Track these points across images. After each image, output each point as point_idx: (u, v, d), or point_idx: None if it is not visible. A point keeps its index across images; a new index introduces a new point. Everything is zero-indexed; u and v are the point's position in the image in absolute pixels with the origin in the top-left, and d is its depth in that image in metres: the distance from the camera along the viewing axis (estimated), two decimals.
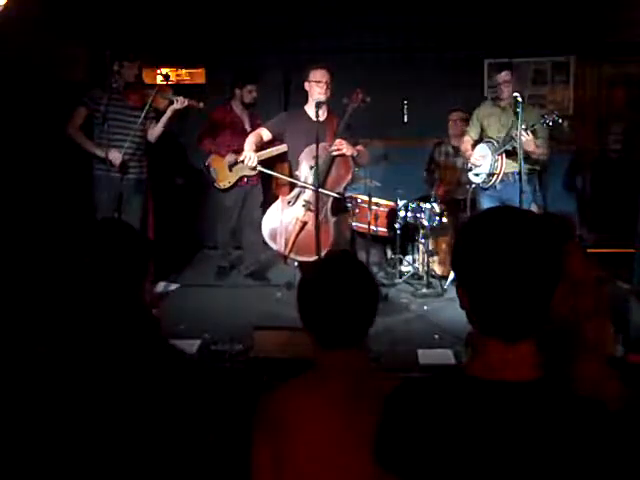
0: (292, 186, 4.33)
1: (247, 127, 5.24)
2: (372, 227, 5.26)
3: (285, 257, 4.16)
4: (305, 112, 4.20)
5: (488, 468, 1.04)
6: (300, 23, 6.18)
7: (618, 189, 5.68)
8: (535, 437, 1.04)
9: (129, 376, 1.44)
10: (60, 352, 1.50)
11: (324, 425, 1.43)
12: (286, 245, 4.09)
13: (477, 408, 1.07)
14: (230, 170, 5.19)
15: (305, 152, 4.11)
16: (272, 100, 6.25)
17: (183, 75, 6.52)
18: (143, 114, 4.55)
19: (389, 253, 5.83)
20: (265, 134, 4.29)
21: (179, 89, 5.12)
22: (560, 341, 1.61)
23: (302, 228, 4.10)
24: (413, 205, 5.21)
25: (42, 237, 4.42)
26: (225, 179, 5.21)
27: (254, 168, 4.22)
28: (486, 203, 4.78)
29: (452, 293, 4.82)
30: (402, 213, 5.27)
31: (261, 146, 4.37)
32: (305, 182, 4.11)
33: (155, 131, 4.78)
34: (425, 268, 5.10)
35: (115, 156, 4.50)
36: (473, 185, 4.88)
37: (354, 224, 5.30)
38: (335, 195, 4.09)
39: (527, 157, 4.44)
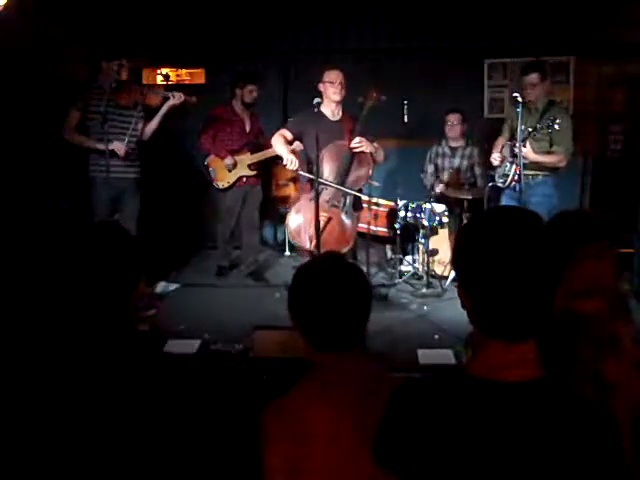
0: (312, 184, 4.41)
1: (247, 127, 5.26)
2: (372, 227, 5.25)
3: (310, 252, 4.25)
4: (322, 112, 4.28)
5: (488, 467, 1.04)
6: (300, 23, 6.17)
7: (618, 189, 5.67)
8: (535, 437, 1.04)
9: (114, 384, 1.42)
10: (45, 357, 1.48)
11: (334, 429, 1.43)
12: (310, 241, 4.17)
13: (477, 408, 1.07)
14: (229, 170, 5.20)
15: (326, 150, 4.20)
16: (272, 100, 6.25)
17: (183, 75, 6.51)
18: (136, 112, 4.55)
19: (389, 253, 5.83)
20: (288, 135, 4.40)
21: (178, 89, 5.10)
22: (588, 341, 1.61)
23: (326, 224, 4.18)
24: (413, 205, 5.21)
25: (39, 238, 4.42)
26: (224, 179, 5.21)
27: (295, 171, 4.33)
28: (505, 203, 4.76)
29: (452, 293, 4.82)
30: (402, 213, 5.27)
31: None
32: (327, 180, 4.22)
33: (149, 127, 4.74)
34: (425, 268, 5.10)
35: (118, 146, 4.50)
36: (490, 184, 4.89)
37: None
38: (355, 193, 4.27)
39: (537, 162, 4.45)
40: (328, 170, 4.25)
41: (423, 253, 5.22)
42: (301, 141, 4.48)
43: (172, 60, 6.40)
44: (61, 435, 1.38)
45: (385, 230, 5.65)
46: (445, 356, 3.53)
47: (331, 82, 4.28)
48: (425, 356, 3.54)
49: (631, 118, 6.06)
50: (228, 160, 5.13)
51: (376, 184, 5.27)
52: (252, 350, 3.37)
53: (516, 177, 4.55)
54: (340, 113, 4.40)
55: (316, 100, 4.09)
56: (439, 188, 5.43)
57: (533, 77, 4.50)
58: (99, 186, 4.55)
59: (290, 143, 4.46)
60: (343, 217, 4.26)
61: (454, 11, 6.03)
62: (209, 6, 6.07)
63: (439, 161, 5.64)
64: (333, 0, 6.11)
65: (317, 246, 3.96)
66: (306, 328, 1.52)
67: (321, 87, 4.36)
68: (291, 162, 4.20)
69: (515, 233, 1.09)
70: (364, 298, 1.53)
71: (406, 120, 5.74)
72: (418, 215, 5.17)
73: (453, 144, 5.56)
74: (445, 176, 5.56)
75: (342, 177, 4.25)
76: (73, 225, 4.64)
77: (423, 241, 5.21)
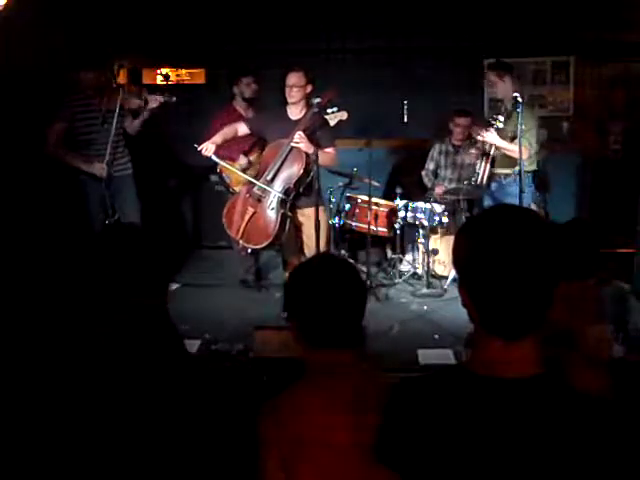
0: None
1: None
2: (372, 227, 5.25)
3: (237, 242, 4.39)
4: (285, 111, 4.39)
5: (487, 464, 1.05)
6: (301, 24, 6.17)
7: (618, 189, 5.67)
8: (534, 433, 1.04)
9: (136, 376, 1.44)
10: (71, 352, 1.51)
11: (330, 427, 1.43)
12: (237, 231, 4.30)
13: (477, 404, 1.07)
14: (244, 172, 4.96)
15: (269, 146, 4.33)
16: (272, 100, 6.24)
17: (183, 75, 6.50)
18: (115, 118, 4.44)
19: (389, 253, 5.82)
20: (242, 129, 4.47)
21: (178, 89, 5.09)
22: (559, 346, 1.61)
23: (251, 216, 4.29)
24: (413, 205, 5.21)
25: (39, 239, 4.42)
26: (240, 182, 4.95)
27: (209, 158, 4.32)
28: (485, 202, 4.92)
29: (452, 293, 4.82)
30: (402, 213, 5.26)
31: (232, 139, 4.49)
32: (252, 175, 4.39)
33: (133, 127, 4.68)
34: (425, 268, 5.10)
35: (99, 169, 4.43)
36: (465, 182, 4.98)
37: (354, 224, 5.29)
38: (269, 189, 4.24)
39: (510, 158, 4.49)
40: (263, 165, 4.34)
41: (423, 253, 5.22)
42: (262, 138, 4.58)
43: (172, 60, 6.40)
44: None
45: (385, 230, 5.65)
46: (445, 356, 3.53)
47: (285, 86, 4.35)
48: (425, 356, 3.55)
49: (631, 118, 6.07)
50: (242, 160, 4.94)
51: (376, 184, 5.27)
52: (252, 350, 3.37)
53: (487, 175, 4.73)
54: (302, 112, 4.38)
55: (316, 100, 4.13)
56: (439, 189, 5.42)
57: (490, 75, 4.74)
58: (90, 188, 4.51)
59: (246, 137, 4.56)
60: (268, 212, 4.28)
61: (454, 11, 6.03)
62: (209, 6, 6.07)
63: (442, 159, 5.64)
64: (333, 0, 6.11)
65: (317, 244, 4.00)
66: (302, 325, 1.53)
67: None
68: (205, 148, 4.24)
69: (515, 231, 1.09)
70: (359, 293, 1.56)
71: (406, 120, 5.74)
72: (418, 215, 5.17)
73: (457, 142, 5.56)
74: (447, 174, 5.56)
75: (274, 173, 4.27)
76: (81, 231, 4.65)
77: (423, 241, 5.21)
